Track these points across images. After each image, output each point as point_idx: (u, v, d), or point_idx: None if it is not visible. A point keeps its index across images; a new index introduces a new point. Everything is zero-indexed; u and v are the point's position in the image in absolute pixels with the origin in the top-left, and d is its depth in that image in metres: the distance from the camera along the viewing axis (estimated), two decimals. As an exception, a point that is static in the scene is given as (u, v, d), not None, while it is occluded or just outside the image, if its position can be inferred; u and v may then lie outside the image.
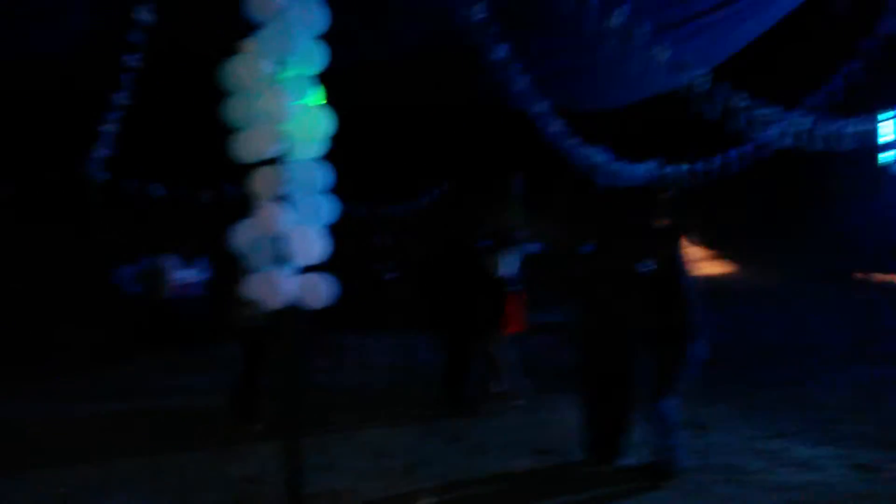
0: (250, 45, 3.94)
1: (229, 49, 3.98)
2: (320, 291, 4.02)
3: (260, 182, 3.92)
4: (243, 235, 4.02)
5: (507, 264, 6.53)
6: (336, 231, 4.30)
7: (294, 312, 3.98)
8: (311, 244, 3.97)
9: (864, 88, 7.85)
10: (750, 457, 5.17)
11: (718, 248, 13.23)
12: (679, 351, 4.78)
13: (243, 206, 4.25)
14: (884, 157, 8.94)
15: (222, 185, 9.69)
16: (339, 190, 4.08)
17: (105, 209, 9.61)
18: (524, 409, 6.46)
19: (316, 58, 4.03)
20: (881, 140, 8.84)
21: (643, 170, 11.31)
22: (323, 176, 4.02)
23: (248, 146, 3.94)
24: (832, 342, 8.67)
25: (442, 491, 4.78)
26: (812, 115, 7.92)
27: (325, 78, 4.15)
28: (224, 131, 4.11)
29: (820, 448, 5.28)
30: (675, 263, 4.88)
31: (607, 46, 5.81)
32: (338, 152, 4.17)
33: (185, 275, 9.39)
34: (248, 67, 3.87)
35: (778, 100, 7.60)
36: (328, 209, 4.09)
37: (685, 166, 10.12)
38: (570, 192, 14.41)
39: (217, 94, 4.05)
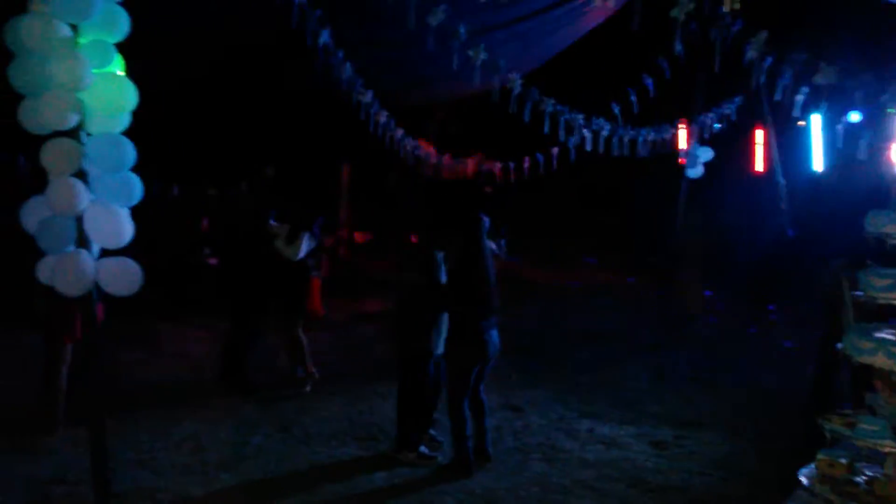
0: (41, 4, 3.62)
1: (17, 6, 3.63)
2: (124, 277, 3.79)
3: (53, 155, 3.61)
4: (34, 214, 3.69)
5: (306, 250, 6.61)
6: (150, 213, 4.07)
7: (92, 300, 3.72)
8: (113, 226, 3.73)
9: (657, 102, 8.69)
10: (563, 436, 5.63)
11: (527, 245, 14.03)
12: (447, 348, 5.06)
13: (35, 181, 3.90)
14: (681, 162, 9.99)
15: (12, 157, 8.73)
16: (150, 169, 3.88)
17: None
18: (351, 397, 6.51)
19: (119, 24, 3.77)
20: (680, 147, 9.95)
21: (465, 165, 11.78)
22: (126, 152, 3.78)
23: (39, 115, 3.61)
24: (634, 332, 9.57)
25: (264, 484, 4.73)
26: (612, 123, 8.68)
27: (144, 47, 3.91)
28: (12, 96, 3.75)
29: (623, 427, 5.87)
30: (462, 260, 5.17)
31: (427, 42, 5.96)
32: (154, 129, 3.97)
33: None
34: (38, 29, 3.55)
35: (582, 107, 8.23)
36: (133, 188, 3.86)
37: (499, 164, 10.62)
38: (397, 183, 14.68)
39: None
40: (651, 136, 9.62)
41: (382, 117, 8.24)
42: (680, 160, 10.05)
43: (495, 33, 7.25)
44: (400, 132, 8.89)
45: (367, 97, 7.63)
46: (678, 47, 6.56)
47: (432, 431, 5.35)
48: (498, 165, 10.89)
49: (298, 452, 5.27)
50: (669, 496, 4.66)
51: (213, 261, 10.55)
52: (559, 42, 9.04)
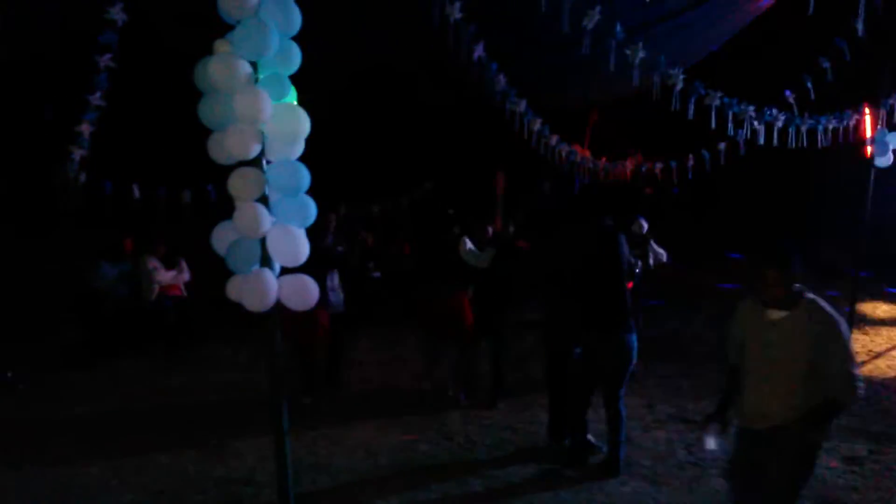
0: (225, 44, 3.94)
1: (204, 48, 3.98)
2: (303, 293, 4.04)
3: (238, 183, 3.92)
4: (223, 237, 4.03)
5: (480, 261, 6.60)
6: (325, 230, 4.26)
7: (277, 315, 3.99)
8: (293, 246, 3.98)
9: (837, 87, 7.96)
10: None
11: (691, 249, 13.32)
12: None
13: (223, 208, 4.25)
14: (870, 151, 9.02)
15: (203, 186, 9.62)
16: (319, 189, 4.11)
17: (84, 210, 9.54)
18: (515, 406, 6.51)
19: (292, 57, 4.04)
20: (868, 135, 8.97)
21: (622, 168, 11.43)
22: (302, 176, 4.04)
23: (225, 147, 3.94)
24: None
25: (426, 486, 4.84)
26: (787, 113, 8.05)
27: (302, 77, 4.17)
28: (201, 132, 4.12)
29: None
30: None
31: (582, 47, 5.85)
32: (318, 150, 4.20)
33: (168, 276, 9.34)
34: (223, 68, 3.87)
35: (752, 98, 7.71)
36: (308, 210, 4.11)
37: (660, 164, 10.20)
38: (552, 191, 14.52)
39: (193, 94, 4.05)
40: (832, 124, 8.81)
41: (536, 125, 8.20)
42: (866, 149, 9.08)
43: (653, 28, 6.98)
44: (554, 139, 8.81)
45: (521, 107, 7.63)
46: (860, 26, 5.98)
47: (590, 436, 5.24)
48: (659, 165, 10.48)
49: (462, 459, 5.33)
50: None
51: (376, 274, 10.98)
52: (724, 32, 8.54)
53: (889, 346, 8.61)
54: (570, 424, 5.19)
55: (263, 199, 3.96)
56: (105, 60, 6.81)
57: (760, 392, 3.37)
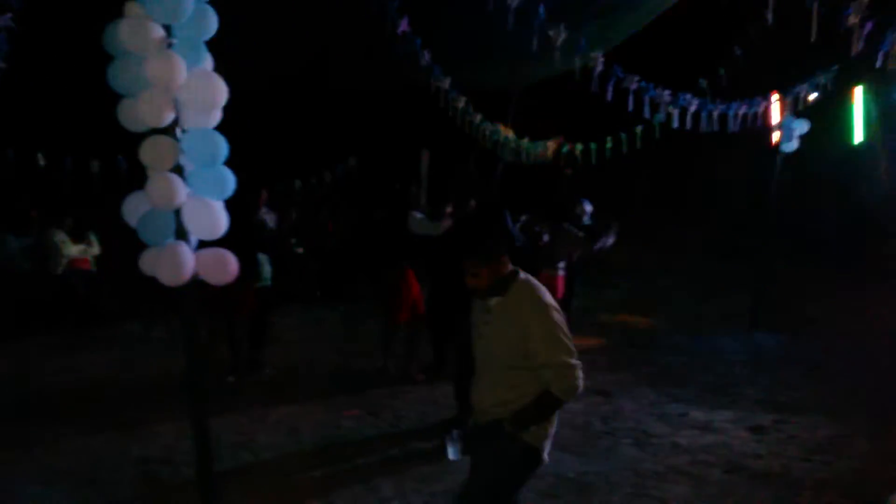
0: (136, 7, 3.77)
1: (112, 10, 3.79)
2: (220, 267, 3.93)
3: (150, 152, 3.77)
4: (136, 209, 3.87)
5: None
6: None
7: (195, 289, 3.88)
8: (209, 218, 3.87)
9: (747, 74, 8.31)
10: (654, 421, 5.51)
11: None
12: None
13: (135, 179, 4.08)
14: (776, 136, 9.45)
15: (113, 155, 9.21)
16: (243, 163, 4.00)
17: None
18: (438, 380, 6.57)
19: (208, 22, 3.89)
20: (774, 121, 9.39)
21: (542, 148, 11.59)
22: (219, 146, 3.91)
23: (137, 114, 3.78)
24: (724, 313, 9.26)
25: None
26: (701, 99, 8.35)
27: (224, 48, 4.03)
28: (111, 97, 3.93)
29: (718, 412, 5.69)
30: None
31: (506, 26, 5.89)
32: (235, 125, 4.08)
33: (76, 250, 8.92)
34: (134, 31, 3.70)
35: (668, 83, 7.96)
36: (226, 182, 4.00)
37: (581, 146, 10.42)
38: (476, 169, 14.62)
39: (102, 57, 3.86)
40: (742, 110, 9.20)
41: (461, 103, 8.23)
42: (772, 134, 9.54)
43: (576, 12, 7.09)
44: (478, 117, 8.87)
45: (446, 84, 7.63)
46: (769, 16, 6.25)
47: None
48: (579, 147, 10.70)
49: (386, 433, 5.38)
50: (770, 482, 4.47)
51: (299, 250, 10.85)
52: (643, 17, 8.75)
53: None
54: (459, 398, 5.23)
55: (178, 170, 3.83)
56: (5, 20, 6.39)
57: (480, 385, 3.03)
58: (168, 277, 3.83)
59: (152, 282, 3.93)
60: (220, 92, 3.89)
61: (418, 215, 6.52)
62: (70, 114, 10.22)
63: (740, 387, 6.33)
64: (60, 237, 8.88)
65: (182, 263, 3.82)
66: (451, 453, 3.03)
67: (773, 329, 8.36)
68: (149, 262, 3.86)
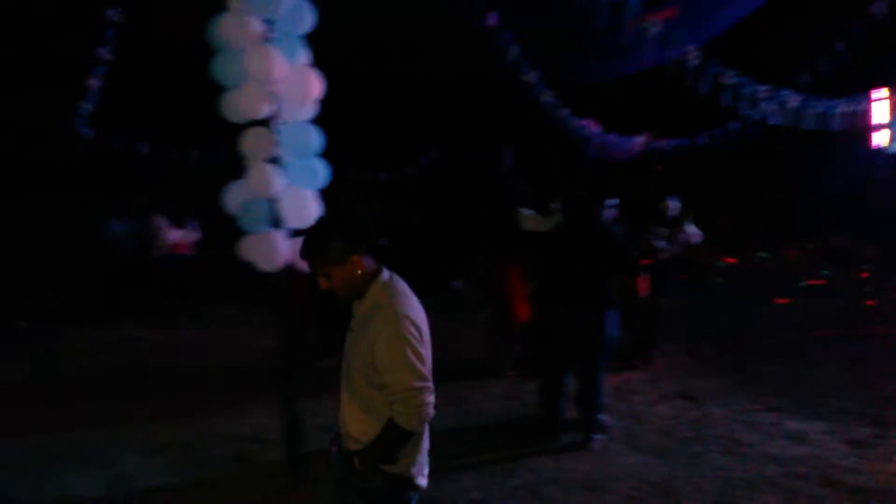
0: (237, 2, 3.91)
1: (217, 6, 3.95)
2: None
3: (250, 143, 3.92)
4: (236, 197, 4.04)
5: None
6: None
7: (289, 275, 4.02)
8: (305, 207, 3.99)
9: (852, 70, 7.87)
10: (744, 429, 5.30)
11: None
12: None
13: (234, 168, 4.26)
14: (877, 137, 8.94)
15: (212, 145, 9.62)
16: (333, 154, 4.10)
17: (92, 165, 9.58)
18: (510, 381, 6.56)
19: (306, 18, 4.00)
20: (875, 121, 8.87)
21: (633, 143, 11.34)
22: (316, 139, 4.03)
23: (237, 106, 3.93)
24: (822, 321, 8.82)
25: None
26: (802, 94, 7.97)
27: (316, 40, 4.14)
28: (214, 90, 4.10)
29: (812, 422, 5.41)
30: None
31: (598, 18, 5.80)
32: (331, 116, 4.18)
33: (176, 234, 9.38)
34: (235, 25, 3.85)
35: (767, 78, 7.64)
36: (319, 173, 4.12)
37: (673, 142, 10.14)
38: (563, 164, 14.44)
39: (206, 53, 4.02)
40: (842, 108, 8.71)
41: (548, 97, 8.16)
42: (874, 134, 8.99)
43: (670, 4, 6.90)
44: (566, 112, 8.78)
45: (533, 78, 7.58)
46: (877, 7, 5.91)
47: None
48: (670, 143, 10.42)
49: (470, 426, 5.41)
50: (868, 499, 4.23)
51: (384, 242, 11.00)
52: (740, 10, 8.42)
53: None
54: (545, 397, 5.19)
55: (275, 160, 3.97)
56: (115, 14, 6.77)
57: (342, 404, 2.58)
58: (264, 263, 3.98)
59: (248, 267, 4.10)
60: (316, 86, 4.01)
61: (527, 212, 6.45)
62: (172, 104, 10.74)
63: (838, 398, 6.00)
64: (161, 222, 9.35)
65: (276, 250, 3.97)
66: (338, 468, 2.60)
67: (874, 338, 7.91)
68: (246, 248, 4.03)
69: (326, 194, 4.13)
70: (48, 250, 9.77)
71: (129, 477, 4.58)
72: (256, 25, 3.80)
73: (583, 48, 8.17)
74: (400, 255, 9.60)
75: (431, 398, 2.40)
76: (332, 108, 4.26)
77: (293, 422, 4.21)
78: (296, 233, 4.10)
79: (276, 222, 4.01)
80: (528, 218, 6.32)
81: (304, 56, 4.03)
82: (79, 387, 6.39)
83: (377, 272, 2.50)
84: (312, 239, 2.47)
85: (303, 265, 4.07)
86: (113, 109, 9.27)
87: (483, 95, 11.45)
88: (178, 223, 9.52)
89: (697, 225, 7.42)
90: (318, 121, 4.13)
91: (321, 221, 2.60)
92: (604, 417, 5.13)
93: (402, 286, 2.53)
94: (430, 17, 7.09)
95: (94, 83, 7.45)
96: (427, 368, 2.41)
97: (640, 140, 11.59)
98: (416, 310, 2.47)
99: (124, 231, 9.36)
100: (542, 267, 5.30)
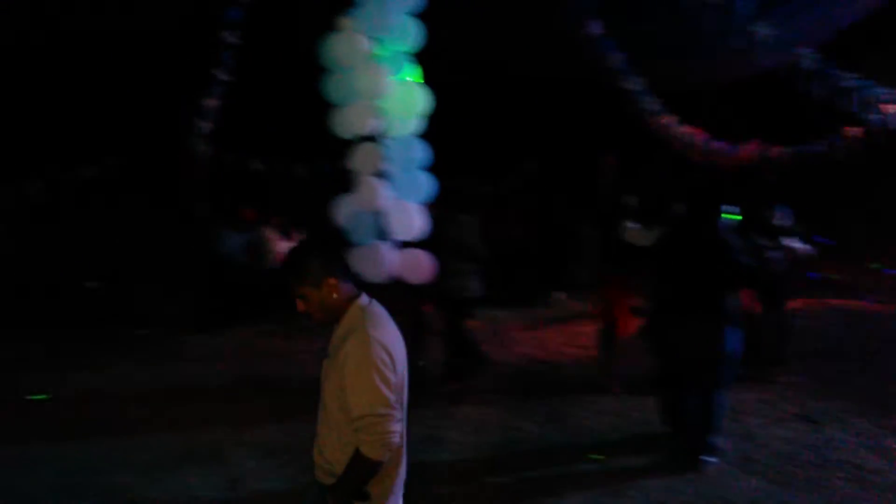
0: (347, 22, 4.06)
1: (328, 26, 4.10)
2: (418, 267, 4.14)
3: (359, 158, 4.05)
4: (345, 210, 4.18)
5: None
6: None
7: (396, 286, 4.12)
8: (411, 220, 4.08)
9: None
10: (870, 455, 4.98)
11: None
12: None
13: (341, 181, 4.40)
14: None
15: (318, 160, 10.00)
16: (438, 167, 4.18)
17: (208, 181, 10.11)
18: (616, 396, 6.41)
19: (412, 34, 4.10)
20: None
21: (740, 151, 10.89)
22: (421, 152, 4.12)
23: (347, 122, 4.08)
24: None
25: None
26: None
27: (419, 54, 4.22)
28: (323, 107, 4.26)
29: (946, 450, 5.02)
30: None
31: (707, 22, 5.62)
32: (435, 130, 4.26)
33: (284, 246, 9.77)
34: (345, 44, 3.99)
35: (891, 81, 7.17)
36: (424, 186, 4.20)
37: (787, 149, 9.66)
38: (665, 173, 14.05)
39: (317, 71, 4.19)
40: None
41: (652, 105, 7.97)
42: None
43: (780, 6, 6.60)
44: (670, 119, 8.54)
45: (637, 85, 7.43)
46: None
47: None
48: (781, 151, 9.94)
49: (572, 443, 5.31)
50: None
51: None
52: (859, 9, 7.95)
53: None
54: (666, 416, 5.02)
55: (382, 174, 4.08)
56: (231, 36, 7.15)
57: (317, 435, 2.55)
58: (371, 273, 4.09)
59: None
60: (422, 102, 4.10)
61: (631, 225, 6.33)
62: (280, 121, 11.24)
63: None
64: (271, 234, 9.76)
65: (383, 261, 4.07)
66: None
67: None
68: (354, 260, 4.15)
69: (430, 206, 4.20)
70: (169, 262, 10.40)
71: (245, 478, 4.78)
72: (366, 44, 3.92)
73: (690, 52, 7.96)
74: (501, 266, 9.59)
75: (398, 427, 2.34)
76: (435, 120, 4.34)
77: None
78: (402, 244, 4.20)
79: (382, 234, 4.11)
80: (632, 231, 6.19)
81: (410, 72, 4.12)
82: (198, 390, 6.74)
83: (354, 297, 2.47)
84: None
85: (408, 276, 4.19)
86: (228, 127, 9.81)
87: (584, 103, 11.32)
88: (287, 235, 9.91)
89: (808, 237, 7.05)
90: (422, 134, 4.21)
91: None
92: (717, 439, 4.91)
93: (379, 311, 2.49)
94: (532, 25, 7.11)
95: (212, 103, 7.89)
96: (394, 397, 2.34)
97: (748, 148, 11.13)
98: (390, 336, 2.42)
99: (238, 243, 9.83)
100: (657, 281, 5.11)
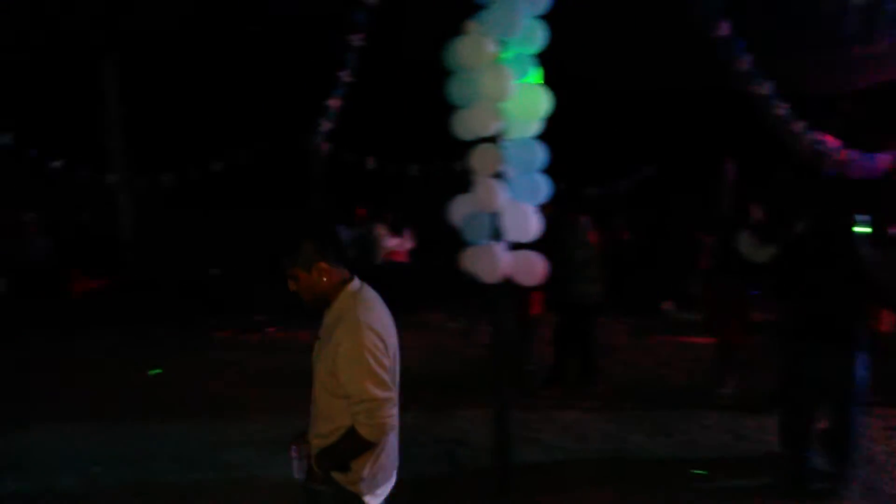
0: (474, 25, 4.09)
1: (452, 30, 4.16)
2: (530, 269, 4.13)
3: (478, 159, 4.08)
4: (461, 210, 4.23)
5: None
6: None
7: (508, 288, 4.13)
8: (526, 222, 4.07)
9: None
10: None
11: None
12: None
13: (456, 181, 4.46)
14: None
15: (432, 160, 10.18)
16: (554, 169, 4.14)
17: (325, 178, 10.52)
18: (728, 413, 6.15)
19: (537, 37, 4.09)
20: None
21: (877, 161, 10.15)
22: (540, 155, 4.10)
23: (469, 124, 4.11)
24: None
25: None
26: None
27: (543, 57, 4.20)
28: (439, 109, 4.32)
29: None
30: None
31: (848, 24, 5.28)
32: (554, 132, 4.23)
33: (394, 243, 10.01)
34: (471, 47, 4.03)
35: None
36: (541, 188, 4.17)
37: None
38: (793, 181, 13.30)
39: (435, 74, 4.25)
40: None
41: (781, 110, 7.56)
42: None
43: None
44: (800, 125, 8.07)
45: (767, 89, 7.08)
46: None
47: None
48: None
49: (678, 457, 5.14)
50: None
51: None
52: None
53: None
54: (788, 439, 4.73)
55: (500, 175, 4.09)
56: (357, 40, 7.40)
57: (311, 415, 2.59)
58: (485, 274, 4.12)
59: (464, 276, 4.26)
60: (544, 103, 4.07)
61: (748, 237, 6.02)
62: (394, 121, 11.51)
63: None
64: (381, 231, 10.02)
65: (498, 262, 4.09)
66: (295, 470, 2.58)
67: None
68: (468, 259, 4.19)
69: (547, 208, 4.17)
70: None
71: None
72: (492, 46, 3.94)
73: (828, 57, 7.52)
74: (609, 271, 9.42)
75: (394, 410, 2.39)
76: (553, 122, 4.31)
77: (504, 431, 4.29)
78: (516, 246, 4.20)
79: (496, 235, 4.12)
80: (749, 245, 5.89)
81: (534, 74, 4.12)
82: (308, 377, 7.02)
83: (346, 282, 2.50)
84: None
85: (520, 279, 4.18)
86: (345, 127, 10.15)
87: (709, 108, 10.91)
88: (397, 232, 10.14)
89: None
90: (542, 136, 4.19)
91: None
92: (843, 466, 4.61)
93: (371, 296, 2.52)
94: (657, 27, 6.94)
95: (334, 103, 8.18)
96: (390, 380, 2.39)
97: (885, 158, 10.35)
98: (381, 321, 2.44)
99: (349, 238, 10.15)
100: (784, 301, 4.81)
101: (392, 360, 2.44)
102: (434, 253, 8.86)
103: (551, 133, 4.19)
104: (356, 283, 2.54)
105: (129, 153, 10.63)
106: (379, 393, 2.33)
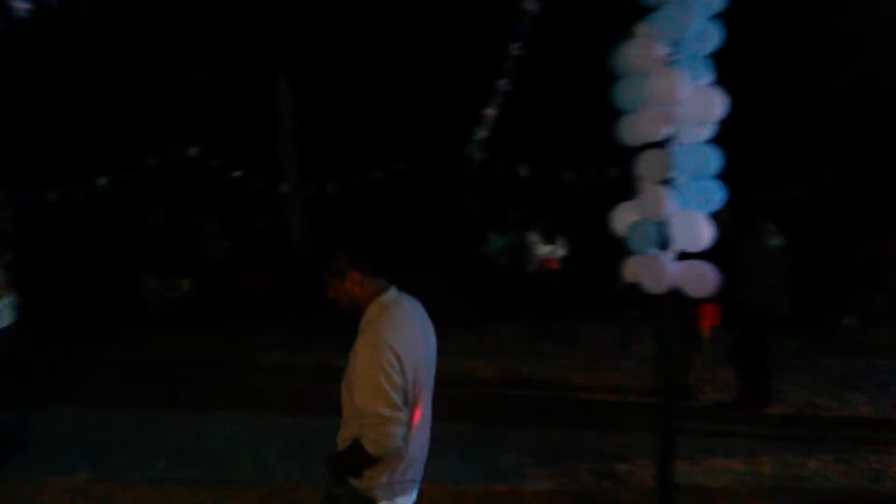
0: (644, 28, 3.96)
1: (614, 36, 4.04)
2: (703, 280, 3.92)
3: (646, 165, 3.94)
4: (625, 218, 4.10)
5: None
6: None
7: (675, 299, 3.95)
8: (697, 231, 3.89)
9: None
10: None
11: None
12: None
13: (611, 188, 4.32)
14: None
15: (586, 167, 10.04)
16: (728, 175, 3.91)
17: (479, 185, 10.67)
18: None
19: (711, 38, 3.89)
20: None
21: None
22: (713, 160, 3.90)
23: (636, 129, 3.97)
24: None
25: None
26: None
27: (717, 58, 3.98)
28: (610, 115, 4.21)
29: None
30: None
31: None
32: (727, 136, 3.99)
33: (545, 250, 9.96)
34: (641, 50, 3.90)
35: None
36: (713, 195, 3.96)
37: None
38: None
39: (592, 80, 4.15)
40: None
41: None
42: None
43: None
44: None
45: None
46: None
47: None
48: None
49: (864, 489, 4.67)
50: None
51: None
52: None
53: None
54: None
55: (668, 182, 3.92)
56: (515, 49, 7.42)
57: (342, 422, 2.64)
58: (650, 284, 3.96)
59: (620, 286, 4.13)
60: (718, 106, 3.87)
61: None
62: (550, 130, 11.45)
63: None
64: (534, 238, 10.00)
65: (665, 272, 3.92)
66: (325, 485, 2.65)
67: None
68: (633, 269, 4.05)
69: (722, 215, 3.95)
70: (440, 259, 11.11)
71: (505, 473, 4.95)
72: (661, 49, 3.81)
73: None
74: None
75: (401, 430, 2.40)
76: (729, 126, 4.08)
77: (668, 449, 4.10)
78: (684, 255, 4.01)
79: (663, 244, 3.96)
80: None
81: (707, 76, 3.93)
82: (459, 379, 7.10)
83: (380, 292, 2.57)
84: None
85: (689, 290, 3.97)
86: (499, 134, 10.24)
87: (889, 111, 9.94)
88: (549, 239, 10.07)
89: None
90: (714, 140, 3.98)
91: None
92: None
93: (401, 311, 2.54)
94: (837, 25, 6.40)
95: (490, 112, 8.27)
96: (401, 398, 2.39)
97: None
98: (403, 337, 2.44)
99: (501, 244, 10.22)
100: None
101: (411, 375, 2.46)
102: (587, 261, 8.72)
103: (725, 137, 3.97)
104: (390, 294, 2.61)
105: (299, 164, 11.36)
106: (385, 411, 2.38)
